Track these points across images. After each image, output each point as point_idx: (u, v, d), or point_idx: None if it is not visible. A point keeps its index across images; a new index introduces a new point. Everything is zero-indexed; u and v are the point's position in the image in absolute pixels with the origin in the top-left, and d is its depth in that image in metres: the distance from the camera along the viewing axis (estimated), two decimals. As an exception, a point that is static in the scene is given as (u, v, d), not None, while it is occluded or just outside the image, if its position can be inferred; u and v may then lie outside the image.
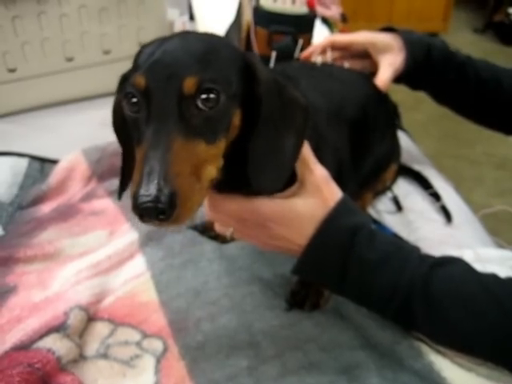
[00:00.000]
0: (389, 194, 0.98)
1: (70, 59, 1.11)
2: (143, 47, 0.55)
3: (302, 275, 0.68)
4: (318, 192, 0.63)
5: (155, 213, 0.45)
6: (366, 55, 0.96)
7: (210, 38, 0.56)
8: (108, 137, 1.00)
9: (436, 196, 0.96)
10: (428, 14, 3.87)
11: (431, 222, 0.91)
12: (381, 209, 0.95)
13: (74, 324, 0.68)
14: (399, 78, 0.95)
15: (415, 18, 3.87)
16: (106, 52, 1.14)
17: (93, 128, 1.11)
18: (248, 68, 0.55)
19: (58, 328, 0.67)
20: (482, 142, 2.62)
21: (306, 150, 0.63)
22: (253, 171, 0.56)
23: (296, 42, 1.02)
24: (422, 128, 2.74)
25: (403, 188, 1.00)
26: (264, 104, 0.54)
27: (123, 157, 0.63)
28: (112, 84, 1.19)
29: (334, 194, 0.64)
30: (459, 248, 0.83)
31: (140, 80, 0.50)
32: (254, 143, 0.55)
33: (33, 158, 1.01)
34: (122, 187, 0.65)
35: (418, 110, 2.69)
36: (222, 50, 0.54)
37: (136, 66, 0.53)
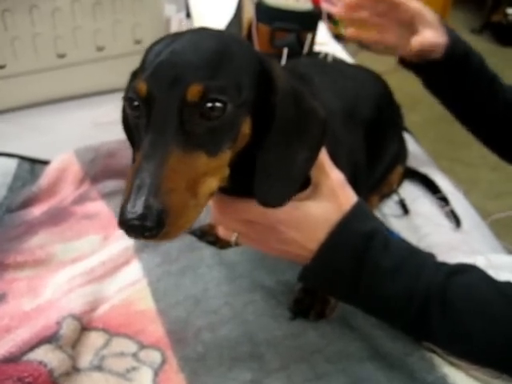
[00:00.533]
0: (395, 198, 0.95)
1: (62, 56, 1.07)
2: (153, 44, 0.51)
3: (310, 282, 0.65)
4: (333, 196, 0.60)
5: (141, 231, 0.42)
6: (404, 25, 0.90)
7: (225, 37, 0.52)
8: (102, 136, 0.98)
9: (444, 200, 0.93)
10: (424, 13, 3.86)
11: (440, 227, 0.88)
12: (387, 212, 0.92)
13: (66, 334, 0.64)
14: (424, 66, 0.90)
15: (411, 18, 3.86)
16: (100, 49, 1.10)
17: (86, 127, 1.07)
18: (264, 74, 0.51)
19: (50, 339, 0.63)
20: (477, 144, 2.60)
21: (323, 154, 0.60)
22: (259, 185, 0.52)
23: (300, 40, 0.99)
24: (418, 129, 2.70)
25: (410, 192, 0.97)
26: (278, 115, 0.50)
27: (134, 157, 0.60)
28: (106, 82, 1.16)
29: (349, 198, 0.61)
30: (470, 254, 0.80)
31: (142, 86, 0.47)
32: (262, 156, 0.51)
33: (22, 158, 0.97)
34: None
35: (414, 111, 2.67)
36: (237, 52, 0.50)
37: (142, 66, 0.50)
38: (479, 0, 4.20)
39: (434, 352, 0.66)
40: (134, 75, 0.53)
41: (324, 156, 0.60)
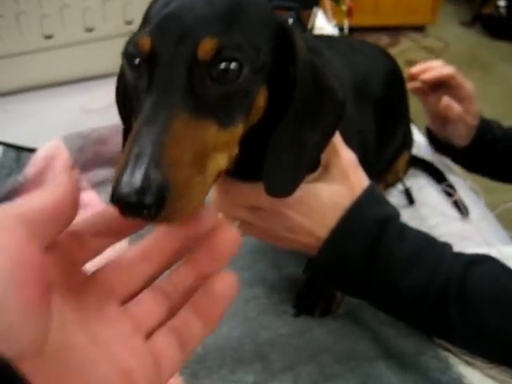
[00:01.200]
0: (399, 187, 0.91)
1: (48, 37, 1.01)
2: None
3: (318, 273, 0.60)
4: (344, 178, 0.56)
5: (138, 209, 0.33)
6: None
7: None
8: (91, 124, 0.93)
9: (451, 189, 0.90)
10: (416, 5, 3.82)
11: (446, 217, 0.85)
12: (392, 202, 0.88)
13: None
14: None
15: (402, 10, 3.82)
16: (89, 29, 1.03)
17: (74, 114, 1.01)
18: (283, 38, 0.45)
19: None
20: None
21: (335, 133, 0.55)
22: (267, 173, 0.46)
23: (300, 18, 0.94)
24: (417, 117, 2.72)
25: (415, 181, 0.94)
26: (298, 88, 0.45)
27: (124, 136, 0.54)
28: (95, 66, 1.10)
29: (361, 181, 0.57)
30: (480, 245, 0.77)
31: (145, 41, 0.39)
32: (275, 138, 0.46)
33: (8, 146, 0.92)
34: None
35: (411, 101, 2.65)
36: (254, 9, 0.43)
37: (145, 20, 0.43)
38: (471, -9, 4.19)
39: (449, 351, 0.62)
40: (124, 55, 0.44)
41: (336, 135, 0.56)
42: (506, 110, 2.99)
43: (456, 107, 0.86)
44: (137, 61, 0.41)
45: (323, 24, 1.45)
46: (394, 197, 0.90)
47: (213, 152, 0.40)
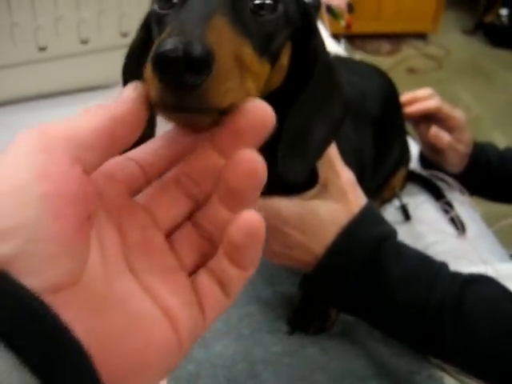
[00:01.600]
0: (396, 203, 0.90)
1: (42, 48, 1.00)
2: None
3: (314, 290, 0.60)
4: (342, 197, 0.56)
5: (183, 66, 0.29)
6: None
7: None
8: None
9: (448, 205, 0.89)
10: (417, 13, 3.83)
11: (443, 234, 0.84)
12: (388, 219, 0.87)
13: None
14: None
15: (404, 18, 3.83)
16: (84, 41, 1.03)
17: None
18: (306, 13, 0.48)
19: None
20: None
21: (333, 151, 0.56)
22: (284, 148, 0.47)
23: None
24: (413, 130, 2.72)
25: (414, 197, 0.93)
26: (317, 66, 0.48)
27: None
28: (90, 78, 1.09)
29: (359, 199, 0.57)
30: (476, 263, 0.76)
31: None
32: (294, 114, 0.47)
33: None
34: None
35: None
36: None
37: None
38: (472, 0, 4.19)
39: (444, 370, 0.62)
40: None
41: (334, 153, 0.57)
42: (507, 118, 2.99)
43: (445, 137, 0.86)
44: None
45: (324, 37, 1.44)
46: (391, 213, 0.90)
47: (248, 72, 0.38)
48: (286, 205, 0.55)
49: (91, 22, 1.01)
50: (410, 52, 3.80)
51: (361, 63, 0.85)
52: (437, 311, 0.54)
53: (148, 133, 0.52)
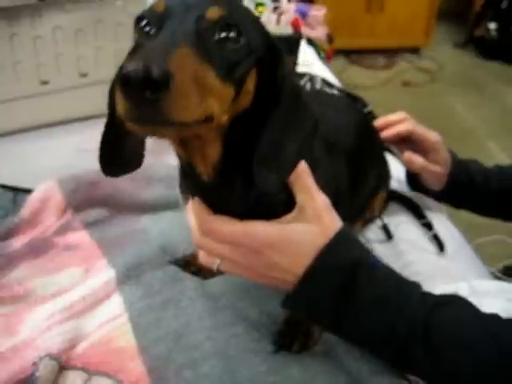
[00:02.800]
0: (378, 223, 0.95)
1: (44, 82, 1.07)
2: None
3: (294, 309, 0.64)
4: (318, 219, 0.60)
5: (143, 84, 0.37)
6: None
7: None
8: (86, 163, 0.96)
9: (429, 225, 0.93)
10: (410, 28, 3.90)
11: (423, 252, 0.88)
12: (371, 238, 0.92)
13: (43, 376, 0.63)
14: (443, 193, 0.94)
15: (397, 33, 3.90)
16: (83, 75, 1.09)
17: (69, 155, 1.06)
18: (271, 45, 0.52)
19: (26, 381, 0.62)
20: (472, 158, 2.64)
21: (309, 178, 0.60)
22: (259, 162, 0.52)
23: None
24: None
25: (395, 217, 0.97)
26: (284, 92, 0.52)
27: (107, 125, 0.57)
28: (89, 108, 1.15)
29: (334, 222, 0.61)
30: (453, 280, 0.80)
31: (159, 3, 0.46)
32: (266, 131, 0.52)
33: (5, 187, 0.96)
34: (104, 159, 0.58)
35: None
36: (249, 12, 0.52)
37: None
38: (463, 15, 4.26)
39: (418, 386, 0.65)
40: (136, 20, 0.50)
41: (310, 179, 0.60)
42: (501, 129, 3.02)
43: (418, 161, 0.89)
44: (148, 27, 0.47)
45: (313, 60, 1.50)
46: (374, 232, 0.94)
47: (209, 92, 0.44)
48: (265, 228, 0.59)
49: (89, 58, 1.07)
50: (404, 66, 3.86)
51: (335, 97, 0.89)
52: (407, 333, 0.57)
53: (137, 161, 0.59)
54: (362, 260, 0.60)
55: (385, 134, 0.92)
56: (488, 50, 3.87)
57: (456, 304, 0.61)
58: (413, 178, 0.98)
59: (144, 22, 0.47)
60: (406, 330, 0.58)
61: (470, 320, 0.59)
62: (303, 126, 0.56)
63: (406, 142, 0.92)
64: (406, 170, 1.00)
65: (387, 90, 3.53)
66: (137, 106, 0.38)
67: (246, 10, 0.52)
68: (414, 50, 4.02)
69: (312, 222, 0.60)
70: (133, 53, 0.49)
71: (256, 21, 0.53)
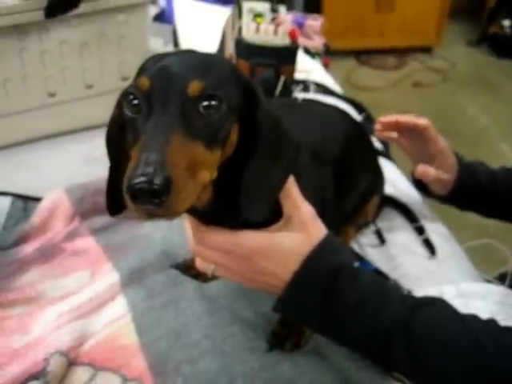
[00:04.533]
0: (372, 227, 0.97)
1: (52, 94, 1.12)
2: (149, 58, 0.57)
3: (283, 312, 0.68)
4: (303, 228, 0.63)
5: (149, 194, 0.45)
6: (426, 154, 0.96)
7: (213, 55, 0.59)
8: (92, 172, 1.01)
9: (420, 229, 0.96)
10: (421, 27, 3.87)
11: (414, 255, 0.91)
12: (364, 242, 0.95)
13: (53, 370, 0.68)
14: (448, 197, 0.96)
15: (408, 32, 3.88)
16: (89, 86, 1.14)
17: (77, 162, 1.11)
18: (249, 91, 0.57)
19: (38, 375, 0.67)
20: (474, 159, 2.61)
21: (295, 189, 0.64)
22: (244, 200, 0.57)
23: (278, 75, 1.02)
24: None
25: (388, 221, 1.00)
26: (263, 131, 0.57)
27: (111, 171, 0.64)
28: (95, 118, 1.20)
29: (319, 231, 0.65)
30: (442, 283, 0.82)
31: (144, 81, 0.52)
32: (249, 169, 0.57)
33: (16, 196, 1.01)
34: (110, 201, 0.65)
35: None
36: (223, 65, 0.57)
37: (140, 72, 0.55)
38: (476, 12, 4.21)
39: (402, 381, 0.69)
40: (125, 93, 0.55)
41: (295, 190, 0.64)
42: (513, 128, 3.01)
43: (431, 173, 0.92)
44: (135, 100, 0.52)
45: (314, 66, 1.52)
46: (367, 237, 0.97)
47: (200, 166, 0.51)
48: (254, 236, 0.63)
49: (94, 70, 1.12)
50: (415, 66, 3.82)
51: (326, 108, 0.92)
52: (385, 337, 0.61)
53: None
54: (344, 266, 0.63)
55: (401, 118, 0.94)
56: (502, 47, 3.81)
57: (435, 305, 0.64)
58: (419, 183, 1.01)
59: (131, 97, 0.53)
60: (385, 332, 0.61)
61: (448, 320, 0.62)
62: (285, 154, 0.60)
63: (410, 135, 0.95)
64: (412, 174, 1.02)
65: (397, 91, 3.49)
66: (143, 207, 0.46)
67: (223, 67, 0.56)
68: (426, 50, 3.98)
69: (298, 230, 0.63)
70: (131, 125, 0.54)
71: (232, 73, 0.57)
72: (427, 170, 0.93)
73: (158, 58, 0.55)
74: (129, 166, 0.47)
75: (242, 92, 0.56)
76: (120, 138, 0.59)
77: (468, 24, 4.31)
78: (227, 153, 0.56)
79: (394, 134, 0.98)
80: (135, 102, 0.52)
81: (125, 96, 0.53)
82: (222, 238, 0.63)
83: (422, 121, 0.93)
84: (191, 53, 0.57)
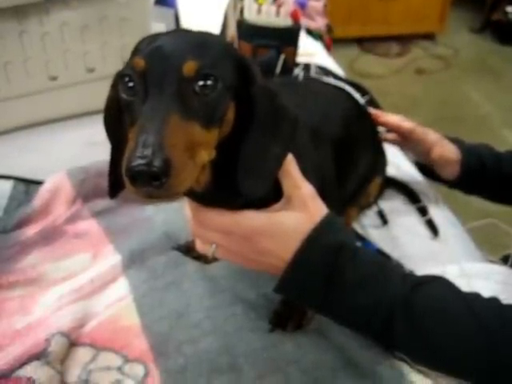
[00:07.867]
0: (374, 208, 0.97)
1: (53, 78, 1.11)
2: (142, 39, 0.56)
3: (285, 293, 0.68)
4: (304, 207, 0.63)
5: (148, 176, 0.45)
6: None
7: (207, 34, 0.58)
8: (93, 156, 1.01)
9: (423, 210, 0.96)
10: (424, 14, 3.85)
11: (417, 236, 0.91)
12: (366, 223, 0.95)
13: (55, 351, 0.68)
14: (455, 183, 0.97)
15: (411, 19, 3.86)
16: (90, 70, 1.13)
17: (78, 147, 1.11)
18: (243, 68, 0.56)
19: (39, 355, 0.67)
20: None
21: (295, 168, 0.64)
22: (242, 174, 0.57)
23: (280, 55, 1.02)
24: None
25: (391, 202, 1.00)
26: (258, 106, 0.56)
27: (112, 153, 0.64)
28: (97, 102, 1.19)
29: (319, 210, 0.64)
30: (445, 264, 0.82)
31: (139, 61, 0.51)
32: (246, 145, 0.57)
33: (18, 179, 1.01)
34: (112, 183, 0.65)
35: (414, 113, 2.68)
36: (218, 43, 0.56)
37: (135, 52, 0.54)
38: (479, -1, 4.19)
39: (404, 360, 0.68)
40: (120, 74, 0.55)
41: (296, 169, 0.64)
42: (517, 116, 3.00)
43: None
44: (131, 83, 0.52)
45: (317, 50, 1.51)
46: (370, 217, 0.97)
47: (198, 146, 0.51)
48: (254, 216, 0.62)
49: (96, 53, 1.11)
50: (418, 53, 3.81)
51: (326, 86, 0.92)
52: (387, 314, 0.61)
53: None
54: (345, 244, 0.63)
55: (386, 118, 0.95)
56: (505, 34, 3.79)
57: (437, 282, 0.64)
58: (426, 167, 1.01)
59: (127, 79, 0.52)
60: (386, 309, 0.61)
61: (450, 297, 0.62)
62: (282, 129, 0.59)
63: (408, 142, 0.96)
64: (416, 161, 1.04)
65: (401, 78, 3.49)
66: (143, 189, 0.46)
67: (217, 45, 0.56)
68: (429, 37, 3.96)
69: (298, 209, 0.63)
70: (127, 108, 0.53)
71: (226, 51, 0.56)
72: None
73: (152, 38, 0.54)
74: (127, 149, 0.47)
75: (237, 68, 0.56)
76: (118, 119, 0.59)
77: (471, 11, 4.28)
78: (224, 132, 0.56)
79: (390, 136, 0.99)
80: (130, 84, 0.52)
81: (120, 77, 0.53)
82: (222, 218, 0.62)
83: (407, 124, 0.94)
84: (185, 32, 0.57)
